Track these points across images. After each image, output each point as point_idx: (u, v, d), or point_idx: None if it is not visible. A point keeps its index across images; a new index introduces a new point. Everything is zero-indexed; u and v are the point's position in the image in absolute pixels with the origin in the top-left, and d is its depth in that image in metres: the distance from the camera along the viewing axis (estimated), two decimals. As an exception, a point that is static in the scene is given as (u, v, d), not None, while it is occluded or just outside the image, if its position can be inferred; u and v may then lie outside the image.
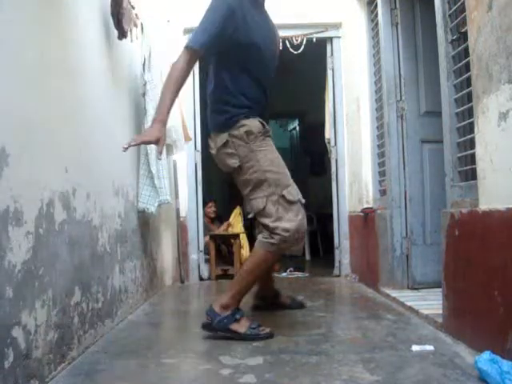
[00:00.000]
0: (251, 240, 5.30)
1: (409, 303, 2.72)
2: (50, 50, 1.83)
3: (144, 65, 3.13)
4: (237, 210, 4.97)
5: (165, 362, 1.88)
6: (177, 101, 3.75)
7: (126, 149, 2.13)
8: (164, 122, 2.21)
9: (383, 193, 3.49)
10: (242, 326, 2.23)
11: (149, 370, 1.81)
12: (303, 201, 2.36)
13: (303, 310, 2.86)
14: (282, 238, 2.24)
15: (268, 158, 2.33)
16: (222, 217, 5.35)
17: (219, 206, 5.66)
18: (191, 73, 2.41)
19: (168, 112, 2.24)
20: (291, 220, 2.27)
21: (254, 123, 2.35)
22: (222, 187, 7.45)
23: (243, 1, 2.31)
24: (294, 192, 2.33)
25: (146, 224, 3.29)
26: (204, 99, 3.24)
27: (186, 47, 2.26)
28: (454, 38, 2.23)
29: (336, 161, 4.46)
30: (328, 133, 4.57)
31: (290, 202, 2.30)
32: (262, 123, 2.37)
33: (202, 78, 4.47)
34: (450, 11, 2.25)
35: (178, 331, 2.57)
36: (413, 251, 3.19)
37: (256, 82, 2.39)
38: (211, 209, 5.12)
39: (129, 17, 2.71)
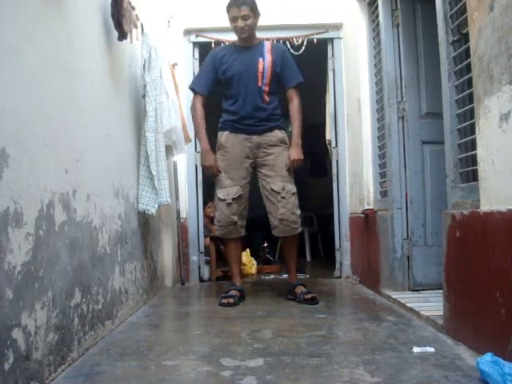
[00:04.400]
0: (251, 242, 5.30)
1: (410, 305, 2.71)
2: (50, 51, 1.83)
3: (144, 66, 3.12)
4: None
5: (165, 364, 1.87)
6: (177, 102, 3.79)
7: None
8: (209, 148, 3.27)
9: (384, 194, 3.48)
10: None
11: (149, 371, 1.80)
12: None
13: (303, 311, 2.86)
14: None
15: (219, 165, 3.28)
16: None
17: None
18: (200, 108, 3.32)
19: (206, 138, 3.28)
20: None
21: (221, 137, 3.31)
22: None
23: (220, 49, 3.47)
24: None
25: (146, 225, 3.29)
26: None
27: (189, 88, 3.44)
28: (455, 38, 2.22)
29: (337, 162, 4.46)
30: (329, 134, 4.56)
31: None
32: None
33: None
34: (451, 12, 2.25)
35: (178, 333, 2.57)
36: (414, 252, 3.18)
37: (235, 100, 3.26)
38: (211, 208, 5.11)
39: (129, 18, 2.71)
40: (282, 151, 3.27)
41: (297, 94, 3.34)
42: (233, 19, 3.23)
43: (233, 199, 3.22)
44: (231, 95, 3.28)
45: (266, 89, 3.25)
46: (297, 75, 3.34)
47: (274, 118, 3.31)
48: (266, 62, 3.25)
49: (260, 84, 3.24)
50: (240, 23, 3.19)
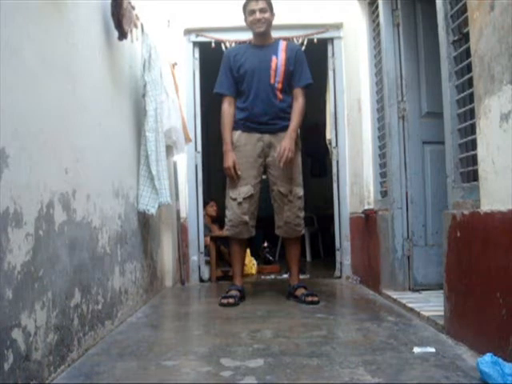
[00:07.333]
0: (251, 244, 5.29)
1: (410, 305, 2.71)
2: (49, 51, 1.82)
3: (144, 66, 3.12)
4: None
5: (165, 364, 1.87)
6: (178, 102, 3.79)
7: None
8: (230, 149, 3.22)
9: (384, 194, 3.48)
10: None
11: (149, 372, 1.80)
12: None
13: (303, 311, 2.86)
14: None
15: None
16: (222, 220, 5.32)
17: (219, 207, 5.63)
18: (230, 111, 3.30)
19: (229, 140, 3.24)
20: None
21: (234, 136, 3.29)
22: (223, 189, 7.42)
23: (234, 48, 3.54)
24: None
25: (146, 225, 3.28)
26: (203, 100, 3.38)
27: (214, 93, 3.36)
28: (456, 38, 2.22)
29: (337, 162, 4.45)
30: (329, 134, 4.56)
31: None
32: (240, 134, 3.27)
33: (202, 79, 4.48)
34: (452, 12, 2.25)
35: (178, 333, 2.56)
36: (414, 252, 3.18)
37: (247, 97, 3.24)
38: (213, 208, 5.11)
39: (129, 17, 2.70)
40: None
41: (303, 95, 3.29)
42: (250, 13, 3.24)
43: (244, 199, 3.22)
44: (243, 92, 3.27)
45: (279, 86, 3.23)
46: (306, 76, 3.31)
47: (287, 117, 3.25)
48: (279, 60, 3.24)
49: (273, 81, 3.22)
50: (258, 15, 3.20)
